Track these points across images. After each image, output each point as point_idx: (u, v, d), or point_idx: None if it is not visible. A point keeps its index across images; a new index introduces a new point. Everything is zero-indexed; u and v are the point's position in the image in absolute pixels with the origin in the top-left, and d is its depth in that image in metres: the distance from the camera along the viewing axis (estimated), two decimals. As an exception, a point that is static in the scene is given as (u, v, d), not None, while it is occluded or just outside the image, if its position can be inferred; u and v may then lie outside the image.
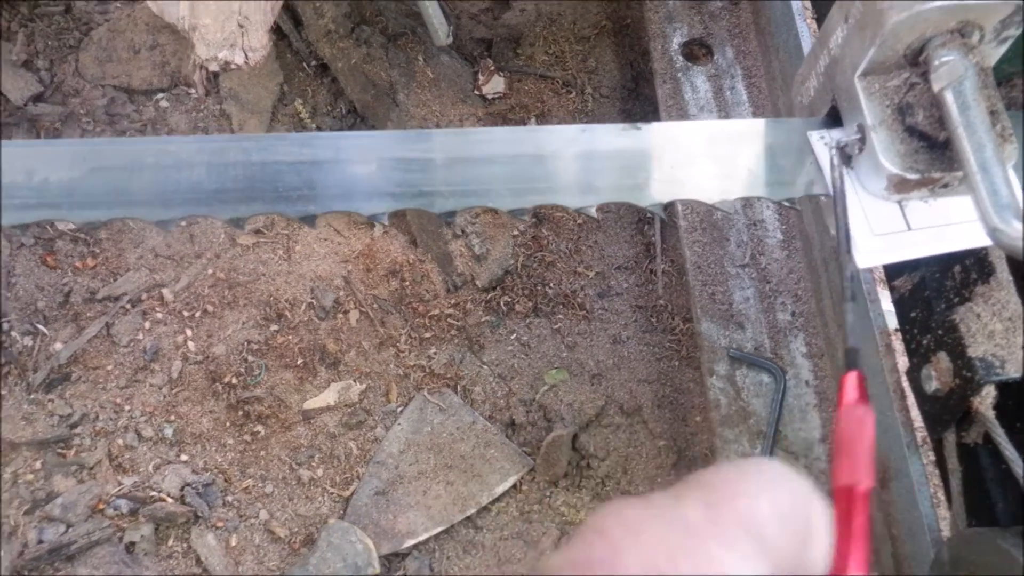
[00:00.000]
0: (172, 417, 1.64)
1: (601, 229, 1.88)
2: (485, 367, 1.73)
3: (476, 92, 2.01)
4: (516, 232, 1.83)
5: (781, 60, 1.62)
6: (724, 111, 1.69)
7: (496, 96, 2.01)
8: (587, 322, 1.77)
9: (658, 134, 0.83)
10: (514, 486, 1.61)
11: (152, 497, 1.56)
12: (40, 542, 1.49)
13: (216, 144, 0.80)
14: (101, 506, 1.55)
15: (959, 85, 0.73)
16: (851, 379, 0.55)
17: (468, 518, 1.58)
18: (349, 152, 0.80)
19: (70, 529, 1.51)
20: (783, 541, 0.38)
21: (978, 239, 0.77)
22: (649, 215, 1.86)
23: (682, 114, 1.68)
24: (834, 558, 0.42)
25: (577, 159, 0.81)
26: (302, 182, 0.78)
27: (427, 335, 1.74)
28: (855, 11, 0.78)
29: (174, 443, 1.62)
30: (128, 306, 1.74)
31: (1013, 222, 0.66)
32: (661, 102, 1.70)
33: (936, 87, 0.74)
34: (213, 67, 1.07)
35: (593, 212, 0.80)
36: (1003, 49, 0.78)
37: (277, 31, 1.97)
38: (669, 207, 1.77)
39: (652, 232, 1.85)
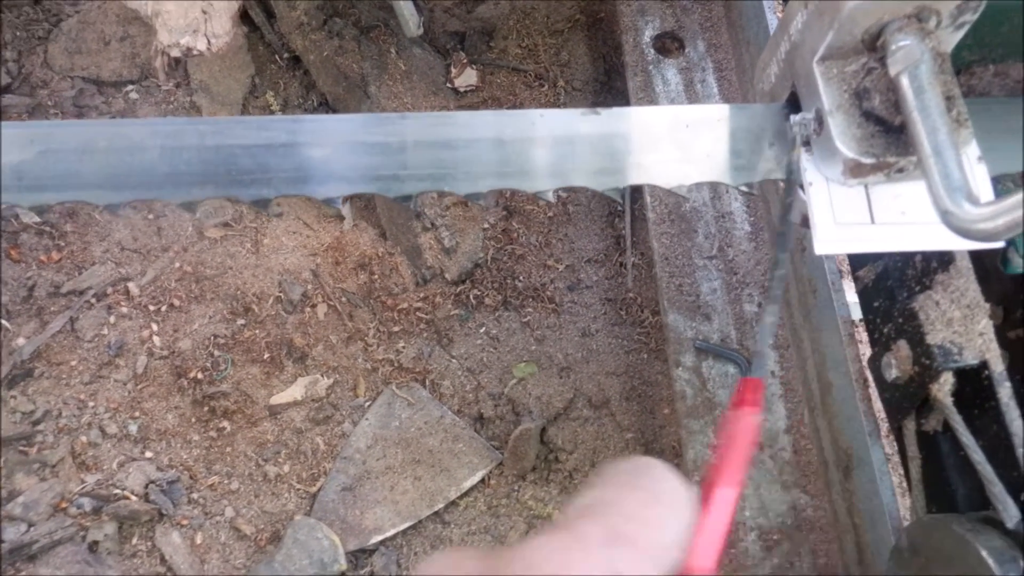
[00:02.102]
0: (137, 413, 1.62)
1: (571, 222, 1.87)
2: (454, 361, 1.72)
3: (448, 85, 2.00)
4: (486, 225, 1.82)
5: (751, 53, 1.63)
6: (695, 104, 1.70)
7: (468, 89, 2.00)
8: (556, 315, 1.76)
9: (617, 119, 0.83)
10: (482, 480, 1.60)
11: (116, 495, 1.54)
12: (1, 542, 1.46)
13: (170, 127, 0.79)
14: (64, 505, 1.52)
15: (915, 69, 0.73)
16: (750, 384, 0.55)
17: (436, 513, 1.57)
18: (304, 136, 0.79)
19: (32, 528, 1.49)
20: (677, 555, 0.40)
21: (940, 241, 0.77)
22: (619, 207, 1.86)
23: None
24: (689, 551, 0.43)
25: (535, 144, 0.81)
26: (256, 165, 0.78)
27: (396, 329, 1.73)
28: (814, -4, 0.78)
29: (139, 440, 1.60)
30: (93, 300, 1.72)
31: (964, 205, 0.67)
32: (632, 95, 1.71)
33: (892, 71, 0.74)
34: (175, 53, 1.06)
35: (551, 196, 0.79)
36: (960, 34, 0.78)
37: (249, 23, 1.95)
38: (637, 197, 1.77)
39: (622, 225, 1.85)
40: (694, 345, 1.43)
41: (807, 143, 0.80)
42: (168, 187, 0.77)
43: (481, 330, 1.75)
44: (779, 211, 0.77)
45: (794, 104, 0.83)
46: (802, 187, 0.81)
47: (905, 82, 0.73)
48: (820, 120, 0.78)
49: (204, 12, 1.05)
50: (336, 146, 0.79)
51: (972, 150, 0.79)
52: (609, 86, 2.04)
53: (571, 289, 1.79)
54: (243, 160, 0.77)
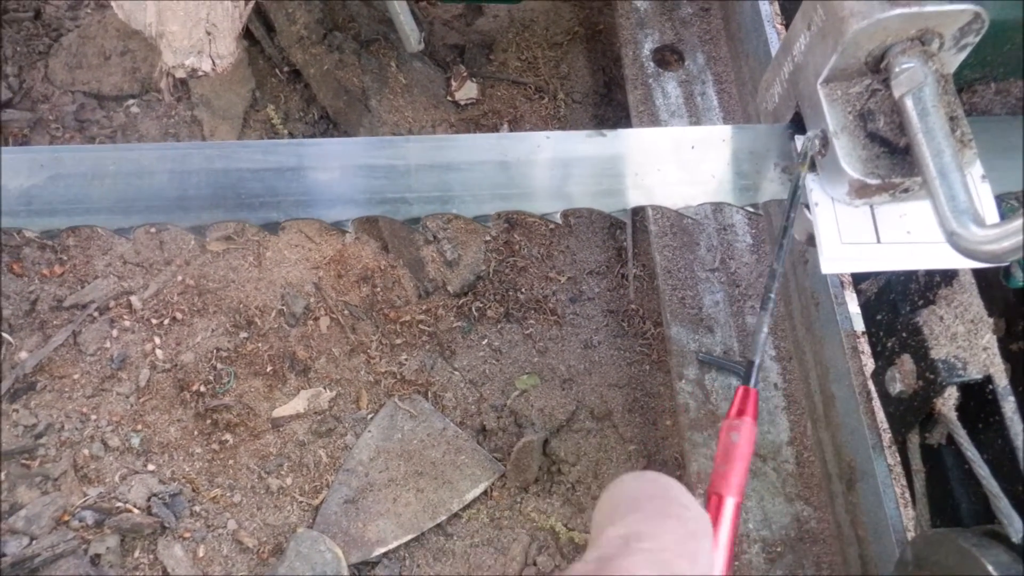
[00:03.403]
0: (139, 426, 1.62)
1: (573, 234, 1.88)
2: (456, 373, 1.72)
3: (449, 98, 2.00)
4: (488, 238, 1.83)
5: (751, 66, 1.63)
6: (695, 117, 1.70)
7: (469, 102, 2.01)
8: (558, 327, 1.77)
9: (623, 141, 0.84)
10: (485, 492, 1.60)
11: (118, 508, 1.54)
12: (3, 555, 1.46)
13: (178, 151, 0.80)
14: (66, 518, 1.52)
15: (919, 91, 0.74)
16: (745, 393, 0.56)
17: (438, 525, 1.57)
18: (312, 159, 0.79)
19: (34, 542, 1.49)
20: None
21: (945, 260, 0.78)
22: (621, 219, 1.87)
23: (653, 120, 1.69)
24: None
25: (541, 166, 0.81)
26: (264, 189, 0.78)
27: (398, 341, 1.74)
28: (817, 19, 0.78)
29: (141, 453, 1.60)
30: (95, 314, 1.72)
31: (971, 227, 0.67)
32: (632, 108, 1.71)
33: (896, 93, 0.75)
34: (180, 74, 1.07)
35: (557, 218, 0.80)
36: (963, 56, 0.79)
37: (249, 37, 1.95)
38: (638, 209, 1.78)
39: (624, 237, 1.85)
40: (697, 358, 1.43)
41: (813, 164, 0.81)
42: (177, 211, 0.77)
43: (483, 342, 1.75)
44: (780, 226, 0.77)
45: (798, 125, 0.84)
46: (808, 207, 0.81)
47: (909, 104, 0.74)
48: (825, 141, 0.78)
49: (208, 33, 1.05)
50: (343, 169, 0.79)
51: (976, 169, 0.80)
52: (609, 98, 2.05)
53: (573, 301, 1.80)
54: (251, 184, 0.78)
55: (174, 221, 0.77)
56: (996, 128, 0.90)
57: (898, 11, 0.72)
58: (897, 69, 0.75)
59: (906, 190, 0.77)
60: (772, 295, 0.70)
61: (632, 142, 0.83)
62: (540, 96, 2.02)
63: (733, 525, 0.48)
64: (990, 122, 0.92)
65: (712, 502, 0.49)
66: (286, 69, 1.97)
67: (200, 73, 1.09)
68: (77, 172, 0.77)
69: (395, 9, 1.66)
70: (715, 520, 0.47)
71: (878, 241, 0.79)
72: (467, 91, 1.99)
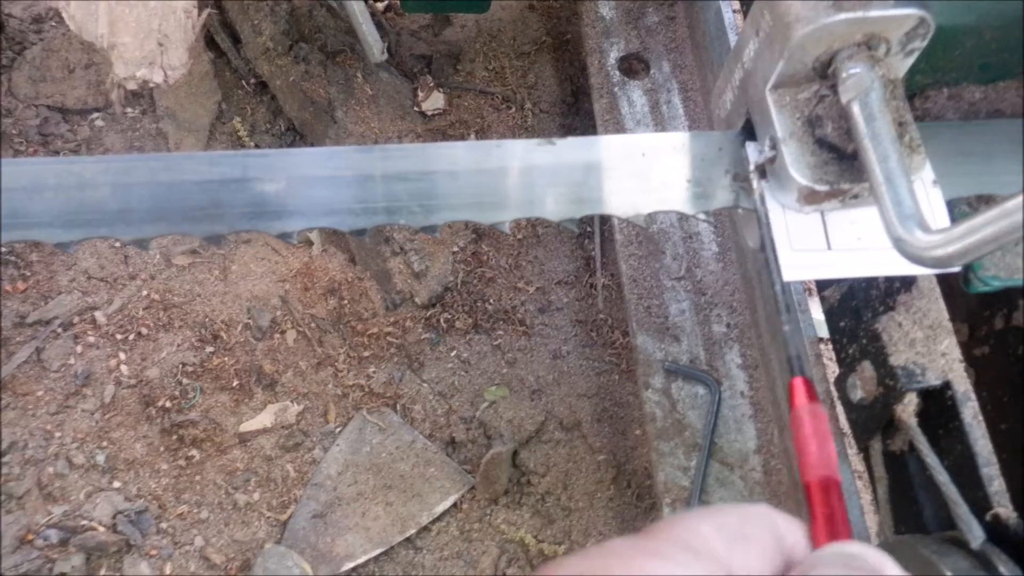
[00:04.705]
0: (104, 443, 1.60)
1: (541, 244, 1.87)
2: (425, 385, 1.71)
3: (416, 108, 1.99)
4: (456, 248, 1.82)
5: (716, 74, 1.63)
6: (660, 125, 1.70)
7: (436, 112, 2.00)
8: (527, 338, 1.76)
9: (573, 149, 0.83)
10: (454, 505, 1.59)
11: (83, 526, 1.51)
12: (-37, 576, 1.44)
13: (121, 164, 0.78)
14: (30, 537, 1.50)
15: (865, 97, 0.73)
16: (798, 383, 0.56)
17: (408, 539, 1.56)
18: (257, 171, 0.78)
19: (-4, 562, 1.47)
20: (739, 554, 0.39)
21: (896, 266, 0.77)
22: (589, 228, 1.86)
23: (619, 128, 1.69)
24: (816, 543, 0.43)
25: (491, 175, 0.80)
26: (209, 201, 0.77)
27: (366, 354, 1.72)
28: (765, 24, 0.78)
29: (106, 470, 1.58)
30: (59, 330, 1.70)
31: (916, 232, 0.67)
32: (598, 117, 1.71)
33: (844, 99, 0.74)
34: (131, 86, 1.05)
35: (506, 228, 0.79)
36: (911, 60, 0.78)
37: (215, 49, 1.94)
38: (605, 218, 1.77)
39: (592, 246, 1.85)
40: (663, 367, 1.42)
41: (763, 171, 0.80)
42: (120, 224, 0.76)
43: (452, 354, 1.74)
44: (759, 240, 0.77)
45: (749, 131, 0.83)
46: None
47: (856, 109, 0.73)
48: (774, 147, 0.78)
49: (160, 44, 1.04)
50: (289, 180, 0.78)
51: (927, 174, 0.80)
52: (576, 107, 2.05)
53: (542, 311, 1.79)
54: (195, 196, 0.77)
55: (116, 234, 0.76)
56: (948, 133, 0.90)
57: (843, 16, 0.72)
58: (844, 75, 0.74)
59: (855, 196, 0.76)
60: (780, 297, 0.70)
61: (583, 150, 0.82)
62: (507, 106, 2.02)
63: (842, 502, 0.48)
64: (942, 127, 0.92)
65: (817, 487, 0.48)
66: (252, 81, 1.96)
67: (152, 84, 1.08)
68: (17, 186, 0.76)
69: (357, 19, 1.65)
70: (827, 504, 0.47)
71: (829, 248, 0.79)
72: (434, 101, 1.99)
